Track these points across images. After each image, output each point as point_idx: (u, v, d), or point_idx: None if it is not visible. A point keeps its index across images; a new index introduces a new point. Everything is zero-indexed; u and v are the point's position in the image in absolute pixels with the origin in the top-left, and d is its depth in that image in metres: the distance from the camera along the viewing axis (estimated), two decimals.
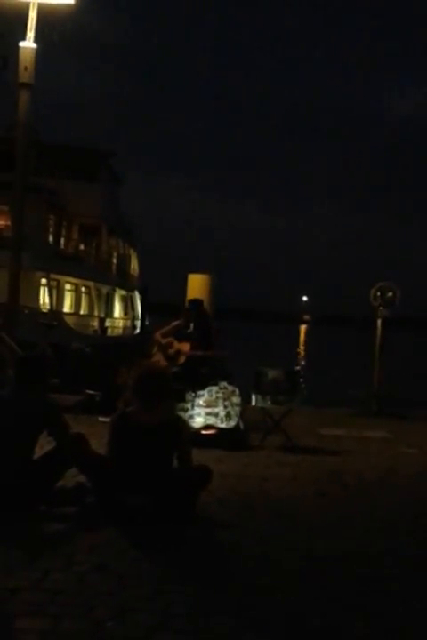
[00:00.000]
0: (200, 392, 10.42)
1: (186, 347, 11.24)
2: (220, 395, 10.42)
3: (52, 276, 35.97)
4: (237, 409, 10.41)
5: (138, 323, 51.15)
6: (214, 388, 10.44)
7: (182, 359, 11.15)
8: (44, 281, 35.31)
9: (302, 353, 71.10)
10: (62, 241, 41.23)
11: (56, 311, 35.42)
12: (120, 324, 47.87)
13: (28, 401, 6.47)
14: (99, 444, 7.28)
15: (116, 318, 47.38)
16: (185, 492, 6.47)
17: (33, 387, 6.53)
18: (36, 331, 16.67)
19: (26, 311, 25.07)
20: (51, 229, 39.19)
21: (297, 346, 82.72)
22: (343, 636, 4.22)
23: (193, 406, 10.36)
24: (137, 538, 5.78)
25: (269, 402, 10.68)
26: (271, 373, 10.76)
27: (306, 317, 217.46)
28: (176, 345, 11.29)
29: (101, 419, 10.78)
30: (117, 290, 47.90)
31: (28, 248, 23.16)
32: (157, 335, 11.59)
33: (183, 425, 6.96)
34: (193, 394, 10.41)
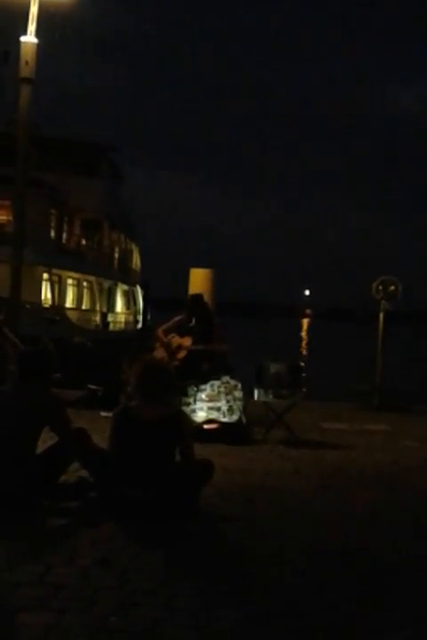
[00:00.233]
0: (202, 386, 10.42)
1: (187, 341, 11.23)
2: (222, 389, 10.42)
3: (54, 270, 35.99)
4: (240, 403, 10.40)
5: (140, 317, 51.17)
6: (217, 383, 10.44)
7: (183, 353, 11.14)
8: (45, 276, 35.33)
9: (305, 347, 71.07)
10: (64, 236, 41.22)
11: (58, 306, 35.45)
12: (122, 318, 47.89)
13: (30, 396, 6.47)
14: (101, 438, 7.28)
15: (117, 313, 47.40)
16: (187, 486, 6.47)
17: (35, 382, 6.53)
18: (38, 325, 16.70)
19: (28, 306, 25.09)
20: (52, 224, 39.19)
21: (299, 340, 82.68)
22: (345, 631, 4.22)
23: (195, 401, 10.36)
24: (139, 532, 5.79)
25: (271, 396, 10.67)
26: (274, 367, 10.75)
27: (308, 311, 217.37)
28: (177, 339, 11.29)
29: (103, 413, 10.78)
30: (119, 284, 47.91)
31: (30, 243, 23.15)
32: (159, 331, 11.58)
33: (185, 419, 6.96)
34: (195, 388, 10.41)
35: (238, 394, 10.43)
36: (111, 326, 43.59)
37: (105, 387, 12.76)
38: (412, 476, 8.61)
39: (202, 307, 11.61)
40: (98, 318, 41.87)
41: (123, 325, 46.89)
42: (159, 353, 11.22)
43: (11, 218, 25.98)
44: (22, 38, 16.72)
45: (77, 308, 39.78)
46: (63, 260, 37.58)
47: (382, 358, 15.36)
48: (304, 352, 62.16)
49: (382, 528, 6.37)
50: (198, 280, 13.90)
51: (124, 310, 49.11)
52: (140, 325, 49.66)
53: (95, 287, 42.32)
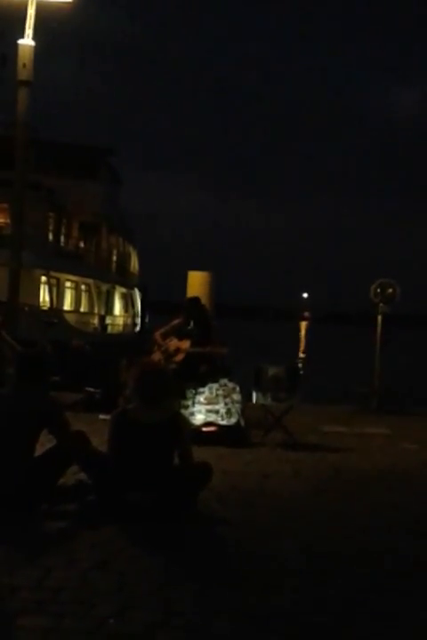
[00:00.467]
0: (201, 389, 10.42)
1: (185, 344, 11.24)
2: (220, 392, 10.41)
3: (52, 273, 35.98)
4: (238, 406, 10.40)
5: (138, 320, 51.17)
6: (215, 386, 10.44)
7: (181, 356, 11.14)
8: (44, 279, 35.32)
9: (303, 350, 71.07)
10: (62, 239, 41.22)
11: (56, 309, 35.44)
12: (120, 321, 47.87)
13: (28, 399, 6.46)
14: (99, 441, 7.28)
15: (116, 316, 47.39)
16: (186, 489, 6.47)
17: (33, 384, 6.53)
18: (36, 328, 16.68)
19: (26, 309, 25.07)
20: (51, 227, 39.19)
21: (298, 343, 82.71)
22: (344, 634, 4.22)
23: (194, 403, 10.35)
24: (138, 535, 5.78)
25: (269, 399, 10.67)
26: (272, 370, 10.75)
27: (306, 314, 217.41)
28: (176, 342, 11.29)
29: (102, 416, 10.77)
30: (117, 287, 47.90)
31: (28, 246, 23.15)
32: (157, 335, 11.59)
33: (184, 422, 6.96)
34: (194, 391, 10.41)
35: (237, 397, 10.43)
36: (109, 329, 43.57)
37: (103, 389, 12.76)
38: (411, 478, 8.61)
39: (200, 309, 11.62)
40: (96, 321, 41.86)
41: (121, 328, 46.87)
42: (157, 356, 11.22)
43: (9, 221, 26.00)
44: (20, 41, 16.74)
45: (75, 310, 39.76)
46: (61, 262, 37.58)
47: (381, 361, 15.37)
48: (303, 355, 62.17)
49: (381, 531, 6.36)
50: (197, 283, 13.91)
51: (123, 313, 49.09)
52: (138, 328, 49.65)
53: (93, 290, 42.32)
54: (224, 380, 10.54)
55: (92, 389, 12.99)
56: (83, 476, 6.72)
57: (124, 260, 50.09)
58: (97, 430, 9.07)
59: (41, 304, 34.63)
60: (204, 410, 10.34)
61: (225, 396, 10.40)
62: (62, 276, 37.68)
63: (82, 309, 40.88)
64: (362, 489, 7.92)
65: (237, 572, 5.12)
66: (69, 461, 6.62)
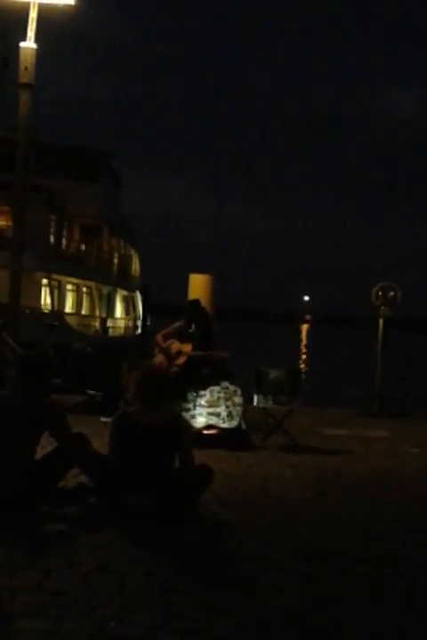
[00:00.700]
0: (202, 392, 10.41)
1: (187, 347, 11.23)
2: (222, 395, 10.41)
3: (54, 276, 36.01)
4: (239, 409, 10.40)
5: (139, 323, 51.17)
6: (216, 388, 10.44)
7: (183, 359, 11.14)
8: (45, 281, 35.36)
9: (304, 353, 71.06)
10: (63, 241, 41.27)
11: (57, 311, 35.46)
12: (121, 324, 47.92)
13: (29, 401, 6.46)
14: (100, 444, 7.27)
15: (117, 318, 47.43)
16: (187, 491, 6.47)
17: (35, 387, 6.53)
18: (37, 331, 16.67)
19: (27, 311, 25.11)
20: (52, 230, 39.25)
21: (299, 346, 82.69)
22: (345, 636, 4.22)
23: (195, 406, 10.35)
24: (139, 538, 5.78)
25: (270, 402, 10.66)
26: (273, 373, 10.74)
27: (307, 317, 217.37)
28: (177, 345, 11.29)
29: (103, 419, 10.78)
30: (119, 290, 47.95)
31: (30, 248, 23.17)
32: (159, 337, 11.59)
33: (185, 425, 6.95)
34: (195, 394, 10.40)
35: (238, 399, 10.43)
36: (111, 332, 43.60)
37: (104, 392, 12.76)
38: (412, 481, 8.60)
39: (201, 312, 11.62)
40: (97, 324, 41.89)
41: (122, 331, 46.91)
42: (159, 359, 11.22)
43: (10, 223, 26.00)
44: (22, 44, 16.75)
45: (77, 313, 39.80)
46: (62, 265, 37.62)
47: (382, 364, 15.36)
48: (304, 358, 62.16)
49: (381, 533, 6.36)
50: (198, 286, 13.92)
51: (124, 316, 49.13)
52: (139, 331, 49.66)
53: (95, 293, 42.35)
54: (225, 383, 10.54)
55: (93, 392, 13.00)
56: (84, 478, 6.72)
57: (125, 262, 50.14)
58: (98, 433, 9.07)
59: (42, 307, 34.66)
60: (205, 413, 10.33)
61: (226, 399, 10.39)
62: (63, 278, 37.71)
63: (83, 312, 40.91)
64: (363, 492, 7.92)
65: (238, 575, 5.11)
66: (70, 464, 6.62)
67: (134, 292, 51.73)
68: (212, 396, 10.40)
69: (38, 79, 16.91)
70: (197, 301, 11.86)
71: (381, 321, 15.27)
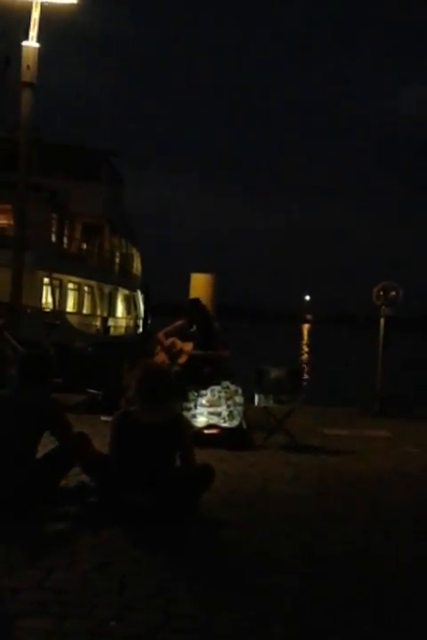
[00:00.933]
0: (203, 391, 10.41)
1: (188, 346, 11.23)
2: (223, 394, 10.41)
3: (55, 275, 36.01)
4: (240, 408, 10.40)
5: (141, 322, 51.16)
6: (217, 388, 10.44)
7: (184, 358, 11.14)
8: (46, 280, 35.35)
9: (305, 352, 71.06)
10: (65, 240, 41.23)
11: (59, 310, 35.43)
12: (123, 323, 47.88)
13: (30, 400, 6.47)
14: (101, 443, 7.28)
15: (118, 318, 47.40)
16: (187, 491, 6.47)
17: (36, 386, 6.53)
18: (38, 330, 16.67)
19: (28, 310, 25.09)
20: (53, 229, 39.21)
21: (300, 345, 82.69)
22: (344, 636, 4.22)
23: (196, 406, 10.35)
24: (139, 537, 5.79)
25: (271, 401, 10.66)
26: (274, 373, 10.74)
27: (308, 317, 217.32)
28: (179, 344, 11.29)
29: (104, 418, 10.77)
30: (120, 289, 47.92)
31: (31, 247, 23.17)
32: (160, 335, 11.58)
33: (186, 424, 6.96)
34: (196, 393, 10.40)
35: (239, 399, 10.43)
36: (112, 331, 43.56)
37: (105, 391, 12.76)
38: (412, 481, 8.60)
39: (201, 311, 11.61)
40: (99, 323, 41.87)
41: (123, 330, 46.86)
42: (160, 357, 11.22)
43: (12, 222, 26.01)
44: (24, 43, 16.76)
45: (78, 312, 39.77)
46: (64, 264, 37.59)
47: (383, 364, 15.35)
48: (305, 357, 62.16)
49: (382, 533, 6.36)
50: (199, 285, 13.92)
51: (125, 315, 49.10)
52: (140, 330, 49.64)
53: (96, 292, 42.33)
54: (226, 383, 10.54)
55: (94, 391, 13.00)
56: (84, 477, 6.72)
57: (126, 261, 50.10)
58: (99, 432, 9.08)
59: (43, 305, 34.64)
60: (206, 412, 10.33)
61: (227, 399, 10.39)
62: (65, 277, 37.69)
63: (84, 311, 40.89)
64: (363, 492, 7.92)
65: (238, 574, 5.11)
66: (71, 463, 6.63)
67: (136, 291, 51.72)
68: (213, 395, 10.40)
69: (40, 78, 16.91)
70: (197, 300, 11.86)
71: (382, 321, 15.26)
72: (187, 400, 10.33)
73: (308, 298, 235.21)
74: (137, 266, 54.21)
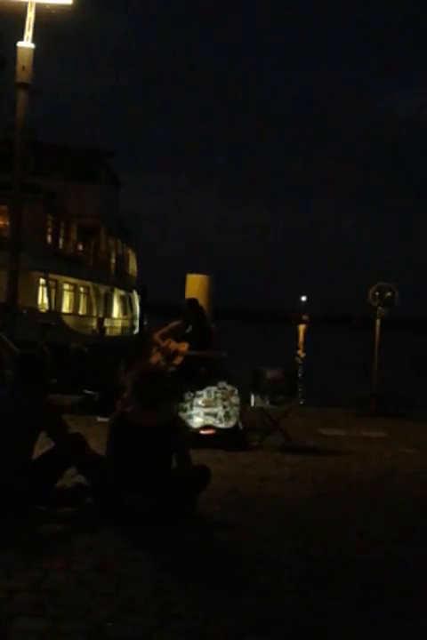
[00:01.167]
0: (199, 392, 10.41)
1: (184, 347, 11.23)
2: (219, 395, 10.41)
3: (51, 276, 36.03)
4: (236, 409, 10.40)
5: (136, 323, 51.17)
6: (213, 389, 10.43)
7: (179, 359, 11.14)
8: (42, 281, 35.35)
9: (301, 353, 71.10)
10: (61, 241, 41.25)
11: (55, 311, 35.44)
12: (119, 324, 47.90)
13: (26, 401, 6.45)
14: (97, 444, 7.27)
15: (114, 318, 47.41)
16: (184, 492, 6.46)
17: (31, 386, 6.52)
18: (34, 331, 16.65)
19: (24, 311, 25.04)
20: (49, 230, 39.23)
21: (296, 346, 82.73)
22: (343, 637, 4.21)
23: (192, 406, 10.35)
24: (136, 538, 5.78)
25: (268, 402, 10.66)
26: (270, 374, 10.74)
27: (305, 317, 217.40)
28: (174, 345, 11.29)
29: (100, 419, 10.77)
30: (116, 290, 47.94)
31: (27, 248, 23.16)
32: (156, 336, 11.58)
33: (182, 425, 6.95)
34: (192, 394, 10.40)
35: (235, 400, 10.43)
36: (108, 332, 43.57)
37: (102, 392, 12.75)
38: (409, 482, 8.60)
39: (198, 312, 11.61)
40: (94, 324, 41.87)
41: (119, 331, 46.88)
42: (156, 358, 11.22)
43: (7, 223, 26.00)
44: (19, 44, 16.73)
45: (74, 313, 39.78)
46: (60, 265, 37.61)
47: (380, 364, 15.36)
48: (301, 358, 62.19)
49: (379, 534, 6.36)
50: (195, 286, 13.90)
51: (121, 316, 49.11)
52: (136, 331, 49.65)
53: (92, 292, 42.34)
54: (223, 383, 10.54)
55: (90, 392, 12.99)
56: (81, 478, 6.71)
57: (122, 262, 50.14)
58: (95, 433, 9.07)
59: (39, 306, 34.64)
60: (202, 413, 10.33)
61: (223, 399, 10.39)
62: (61, 278, 37.70)
63: (80, 312, 40.90)
64: (360, 492, 7.92)
65: (235, 576, 5.11)
66: (67, 464, 6.62)
67: (132, 291, 51.74)
68: (209, 396, 10.40)
69: (36, 79, 16.88)
70: (194, 301, 11.86)
71: (378, 321, 15.27)
72: (183, 401, 10.33)
73: (304, 298, 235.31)
74: (133, 267, 54.26)
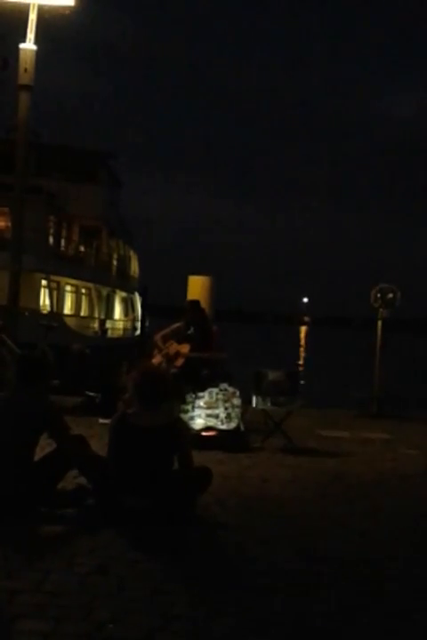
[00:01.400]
0: (200, 394, 10.41)
1: (185, 348, 11.24)
2: (220, 396, 10.41)
3: (53, 277, 36.00)
4: (238, 410, 10.40)
5: (138, 324, 51.16)
6: (215, 390, 10.43)
7: (181, 361, 11.14)
8: (44, 282, 35.33)
9: (303, 354, 71.08)
10: (63, 242, 41.23)
11: (56, 313, 35.42)
12: (120, 325, 47.87)
13: (28, 402, 6.46)
14: (99, 445, 7.27)
15: (116, 320, 47.38)
16: (185, 493, 6.47)
17: (33, 388, 6.52)
18: (36, 332, 16.65)
19: (26, 313, 25.05)
20: (51, 231, 39.21)
21: (298, 347, 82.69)
22: (343, 638, 4.22)
23: (193, 408, 10.35)
24: (137, 539, 5.78)
25: (269, 403, 10.66)
26: (272, 375, 10.74)
27: (306, 319, 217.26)
28: (176, 346, 11.29)
29: (101, 420, 10.77)
30: (118, 291, 47.91)
31: (29, 249, 23.15)
32: (157, 338, 11.59)
33: (183, 426, 6.96)
34: (193, 395, 10.40)
35: (236, 401, 10.43)
36: (109, 333, 43.55)
37: (103, 393, 12.75)
38: (411, 483, 8.60)
39: (200, 314, 11.62)
40: (96, 325, 41.85)
41: (121, 332, 46.86)
42: (158, 359, 11.22)
43: (9, 224, 25.99)
44: (21, 45, 16.73)
45: (76, 314, 39.75)
46: (62, 266, 37.59)
47: (381, 366, 15.36)
48: (302, 359, 62.17)
49: (380, 535, 6.36)
50: (197, 287, 13.90)
51: (123, 317, 49.09)
52: (138, 332, 49.65)
53: (94, 294, 42.31)
54: (224, 385, 10.54)
55: (91, 393, 12.99)
56: (82, 479, 6.71)
57: (124, 263, 50.10)
58: (97, 434, 9.08)
59: (41, 308, 34.63)
60: (203, 414, 10.33)
61: (225, 401, 10.39)
62: (63, 279, 37.69)
63: (82, 313, 40.87)
64: (362, 494, 7.92)
65: (236, 576, 5.11)
66: (69, 465, 6.62)
67: (133, 293, 51.72)
68: (210, 397, 10.40)
69: (38, 81, 16.87)
70: (197, 302, 11.87)
71: (379, 323, 15.27)
72: (184, 402, 10.33)
73: (306, 300, 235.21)
74: (134, 268, 54.21)
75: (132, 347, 38.61)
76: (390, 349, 17.59)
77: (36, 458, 6.51)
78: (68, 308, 39.16)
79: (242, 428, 10.41)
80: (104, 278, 44.02)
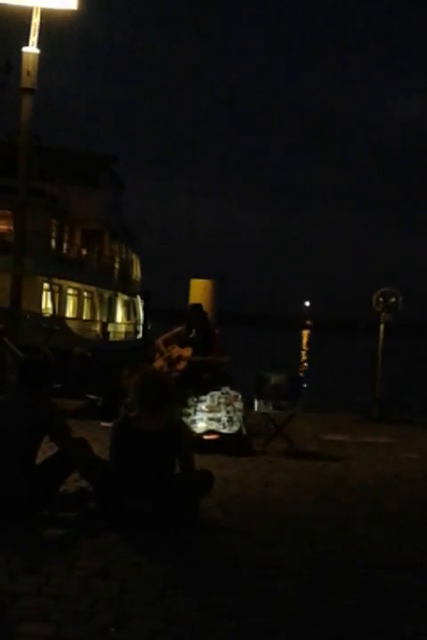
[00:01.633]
0: (202, 397, 10.41)
1: (188, 352, 11.23)
2: (222, 400, 10.41)
3: (55, 280, 36.04)
4: (240, 414, 10.39)
5: (140, 328, 51.17)
6: (217, 394, 10.43)
7: (183, 364, 11.14)
8: (46, 286, 35.35)
9: (305, 358, 71.04)
10: (65, 246, 41.24)
11: (58, 316, 35.43)
12: (122, 328, 47.88)
13: (30, 405, 6.46)
14: (101, 448, 7.27)
15: (118, 323, 47.39)
16: (187, 496, 6.46)
17: (35, 391, 6.52)
18: (38, 335, 16.66)
19: (28, 316, 25.09)
20: (53, 234, 39.22)
21: (300, 351, 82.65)
22: None
23: (195, 411, 10.35)
24: (139, 543, 5.78)
25: (271, 407, 10.66)
26: (274, 379, 10.74)
27: (308, 323, 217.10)
28: (178, 350, 11.29)
29: (103, 424, 10.77)
30: (120, 295, 47.92)
31: (31, 253, 23.16)
32: (159, 341, 11.59)
33: (185, 430, 6.96)
34: (195, 399, 10.40)
35: (238, 405, 10.42)
36: (111, 336, 43.56)
37: (105, 397, 12.75)
38: (412, 488, 8.60)
39: (202, 317, 11.62)
40: (98, 328, 41.86)
41: (123, 336, 46.86)
42: (159, 363, 11.22)
43: (12, 228, 26.00)
44: (24, 49, 16.75)
45: (78, 318, 39.76)
46: (64, 269, 37.61)
47: (383, 370, 15.35)
48: (304, 363, 62.13)
49: (382, 539, 6.36)
50: (199, 291, 13.89)
51: (125, 320, 49.10)
52: (140, 336, 49.65)
53: (96, 297, 42.33)
54: (226, 388, 10.54)
55: (93, 397, 12.99)
56: (84, 483, 6.71)
57: (126, 267, 50.11)
58: (98, 438, 9.08)
59: (43, 311, 34.64)
60: (205, 418, 10.33)
61: (227, 404, 10.39)
62: (65, 282, 37.71)
63: (84, 317, 40.87)
64: (364, 498, 7.91)
65: (237, 580, 5.11)
66: (70, 468, 6.62)
67: (135, 296, 51.73)
68: (212, 400, 10.40)
69: (41, 84, 16.88)
70: (199, 306, 11.86)
71: (381, 327, 15.26)
72: (186, 406, 10.33)
73: (308, 303, 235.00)
74: (137, 271, 54.23)
75: (134, 350, 38.61)
76: (393, 353, 17.56)
77: (38, 461, 6.51)
78: (70, 312, 39.16)
79: (244, 431, 10.41)
80: (106, 281, 44.04)
